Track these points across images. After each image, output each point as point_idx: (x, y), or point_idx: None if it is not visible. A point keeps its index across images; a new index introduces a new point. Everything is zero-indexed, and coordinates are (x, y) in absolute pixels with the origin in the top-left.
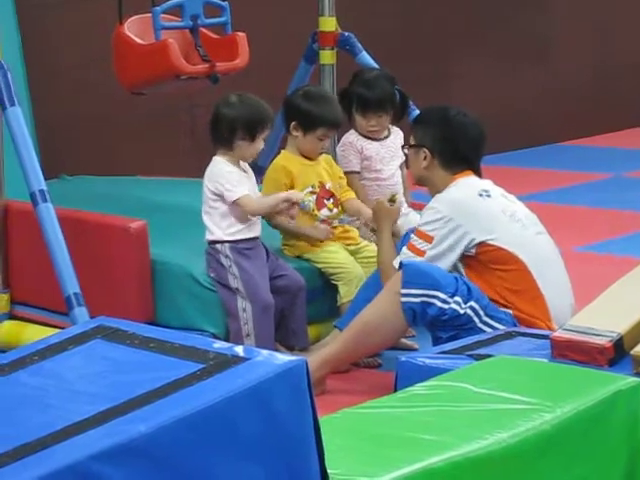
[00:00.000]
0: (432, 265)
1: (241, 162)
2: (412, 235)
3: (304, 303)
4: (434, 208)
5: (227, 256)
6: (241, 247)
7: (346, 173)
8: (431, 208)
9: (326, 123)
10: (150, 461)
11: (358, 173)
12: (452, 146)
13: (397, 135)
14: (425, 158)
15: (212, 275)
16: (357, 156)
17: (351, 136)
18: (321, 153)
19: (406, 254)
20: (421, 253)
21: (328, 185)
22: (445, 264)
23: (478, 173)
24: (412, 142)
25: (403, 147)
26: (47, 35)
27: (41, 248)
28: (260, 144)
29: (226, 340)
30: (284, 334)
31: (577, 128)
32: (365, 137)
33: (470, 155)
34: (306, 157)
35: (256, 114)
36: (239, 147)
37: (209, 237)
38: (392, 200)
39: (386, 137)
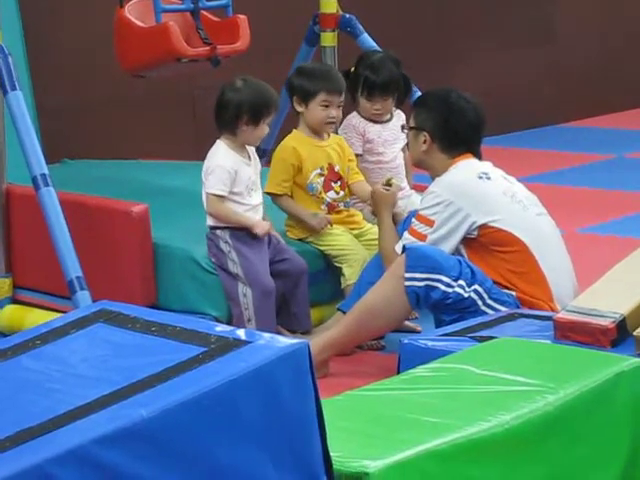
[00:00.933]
0: (435, 249)
1: (247, 146)
2: (413, 219)
3: (306, 287)
4: (434, 192)
5: (227, 242)
6: (241, 233)
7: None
8: (431, 192)
9: (323, 87)
10: (153, 445)
11: (360, 156)
12: (452, 131)
13: (399, 118)
14: (425, 142)
15: (213, 260)
16: (359, 139)
17: (353, 119)
18: (330, 123)
19: (408, 239)
20: (422, 237)
21: (337, 168)
22: (447, 247)
23: (478, 155)
24: (412, 124)
25: (403, 128)
26: (48, 19)
27: (43, 232)
28: (264, 129)
29: (229, 324)
30: (286, 318)
31: (579, 109)
32: (367, 120)
33: (470, 139)
34: (316, 133)
35: (261, 98)
36: (243, 132)
37: (209, 222)
38: (388, 184)
39: (388, 120)
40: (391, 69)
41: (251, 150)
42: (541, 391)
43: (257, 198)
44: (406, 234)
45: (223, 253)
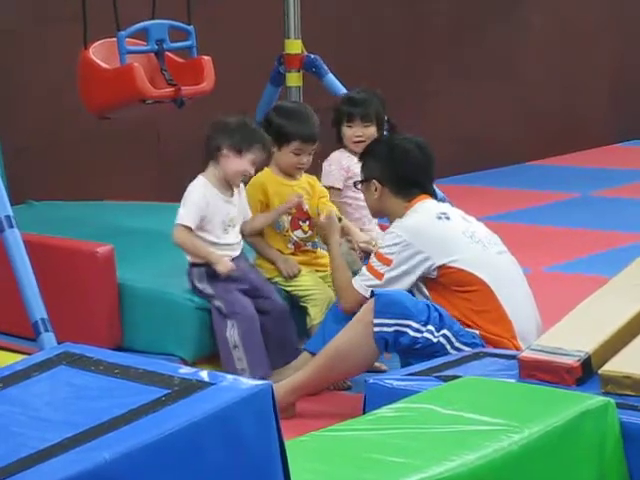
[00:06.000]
0: (404, 293)
1: (233, 185)
2: (372, 257)
3: (291, 326)
4: (393, 232)
5: (202, 278)
6: (213, 270)
7: (327, 187)
8: (391, 232)
9: (298, 136)
10: None
11: (339, 190)
12: (399, 173)
13: None
14: (376, 189)
15: (198, 294)
16: (342, 173)
17: (339, 153)
18: (300, 169)
19: (365, 275)
20: (379, 275)
21: (305, 207)
22: (402, 286)
23: (433, 196)
24: (362, 177)
25: (355, 185)
26: (12, 61)
27: (8, 274)
28: (245, 164)
29: (194, 364)
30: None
31: (544, 147)
32: (353, 155)
33: (419, 179)
34: (287, 174)
35: (249, 129)
36: (224, 160)
37: (188, 258)
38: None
39: None
40: (371, 98)
41: (238, 192)
42: (506, 430)
43: (233, 237)
44: (364, 270)
45: (200, 291)
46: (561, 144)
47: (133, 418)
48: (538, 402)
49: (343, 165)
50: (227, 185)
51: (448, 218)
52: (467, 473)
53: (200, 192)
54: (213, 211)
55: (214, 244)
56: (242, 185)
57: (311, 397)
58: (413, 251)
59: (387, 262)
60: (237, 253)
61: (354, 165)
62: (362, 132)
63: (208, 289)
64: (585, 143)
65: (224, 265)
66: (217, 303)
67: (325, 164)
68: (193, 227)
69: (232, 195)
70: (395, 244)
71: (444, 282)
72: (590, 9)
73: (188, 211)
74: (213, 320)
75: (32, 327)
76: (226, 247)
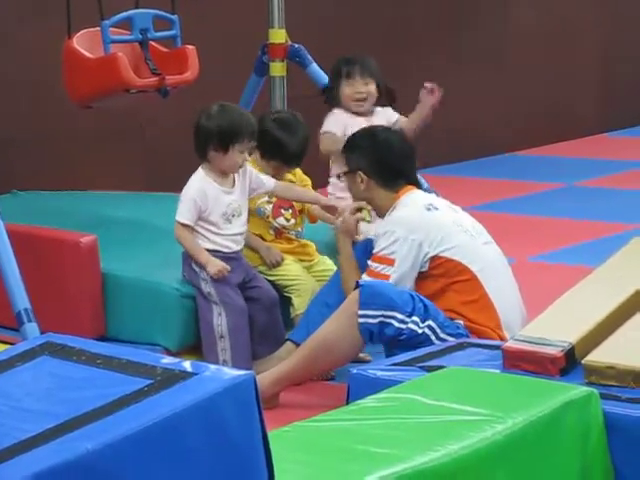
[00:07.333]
0: (388, 284)
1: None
2: (369, 262)
3: (278, 317)
4: (387, 231)
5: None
6: (214, 253)
7: (324, 133)
8: (384, 232)
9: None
10: (98, 478)
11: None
12: (385, 163)
13: (383, 114)
14: (362, 181)
15: (187, 278)
16: (340, 127)
17: (338, 110)
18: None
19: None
20: (385, 277)
21: None
22: (410, 282)
23: (418, 185)
24: (346, 169)
25: (339, 177)
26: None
27: None
28: (237, 156)
29: (178, 354)
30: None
31: (529, 138)
32: (354, 115)
33: (404, 169)
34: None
35: (230, 124)
36: (213, 158)
37: None
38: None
39: (370, 113)
40: (368, 58)
41: (241, 175)
42: (490, 420)
43: (238, 226)
44: (365, 277)
45: (195, 273)
46: (548, 134)
47: (115, 408)
48: (522, 392)
49: (342, 121)
50: (227, 175)
51: (436, 208)
52: (451, 463)
53: (196, 187)
54: (212, 204)
55: (217, 235)
56: (246, 165)
57: (294, 387)
58: (410, 244)
59: (389, 262)
60: (241, 245)
61: (351, 122)
62: (363, 89)
63: (204, 272)
64: (572, 133)
65: (214, 267)
66: (207, 289)
67: (325, 123)
68: (191, 224)
69: (233, 185)
70: (393, 242)
71: (434, 274)
72: (579, 0)
73: (185, 208)
74: (199, 308)
75: (15, 317)
76: (229, 237)
